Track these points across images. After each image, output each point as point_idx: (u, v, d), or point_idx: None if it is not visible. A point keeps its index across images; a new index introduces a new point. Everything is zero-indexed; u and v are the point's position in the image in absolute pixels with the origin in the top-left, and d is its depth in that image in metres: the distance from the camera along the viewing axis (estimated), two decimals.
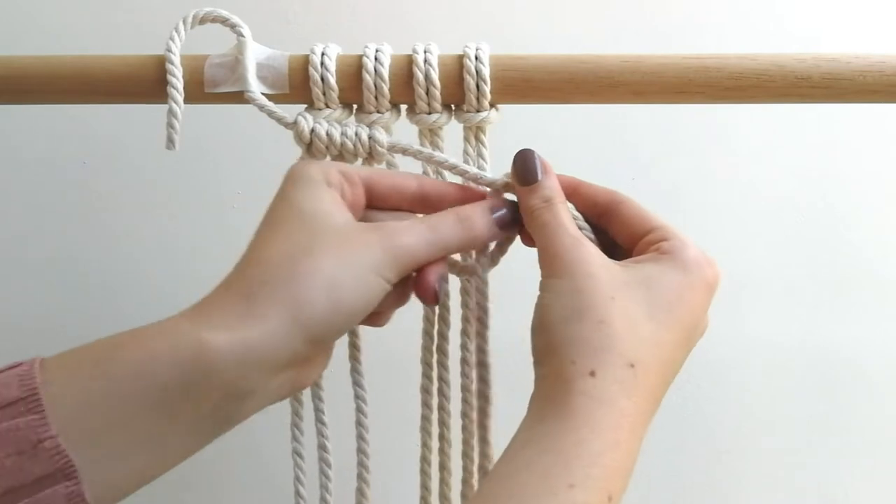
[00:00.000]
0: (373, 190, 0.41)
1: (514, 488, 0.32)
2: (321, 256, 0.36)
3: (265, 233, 0.38)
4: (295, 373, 0.38)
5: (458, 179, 0.44)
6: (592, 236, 0.42)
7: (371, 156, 0.45)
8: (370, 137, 0.44)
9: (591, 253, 0.38)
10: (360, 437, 0.48)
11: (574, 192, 0.42)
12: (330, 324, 0.36)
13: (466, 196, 0.42)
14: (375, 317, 0.42)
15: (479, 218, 0.40)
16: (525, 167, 0.41)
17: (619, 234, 0.42)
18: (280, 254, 0.37)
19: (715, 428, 0.75)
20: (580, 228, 0.41)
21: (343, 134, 0.44)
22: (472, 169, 0.44)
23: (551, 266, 0.38)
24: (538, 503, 0.31)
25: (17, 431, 0.32)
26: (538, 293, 0.38)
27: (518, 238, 0.44)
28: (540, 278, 0.39)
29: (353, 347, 0.47)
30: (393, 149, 0.44)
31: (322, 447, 0.48)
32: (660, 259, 0.38)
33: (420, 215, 0.41)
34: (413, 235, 0.38)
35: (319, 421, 0.48)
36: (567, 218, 0.40)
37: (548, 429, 0.34)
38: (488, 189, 0.43)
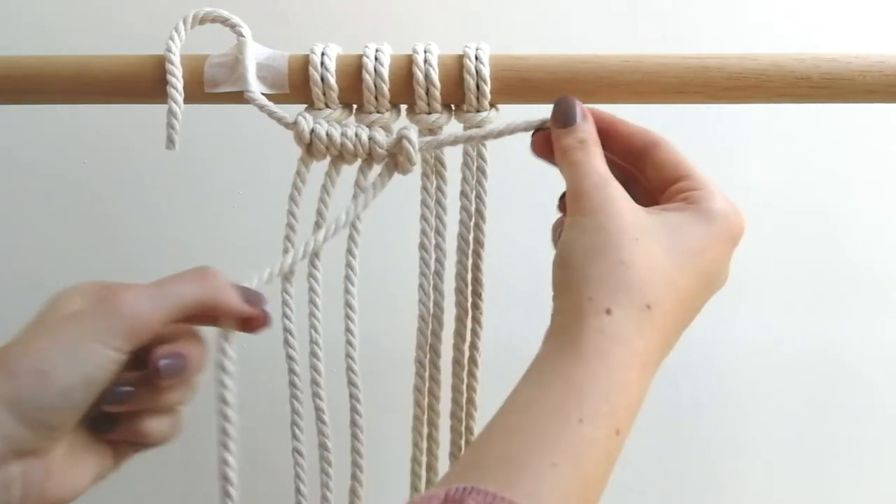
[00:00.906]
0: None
1: (527, 419, 0.32)
2: (32, 339, 0.35)
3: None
4: (21, 470, 0.34)
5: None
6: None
7: (371, 156, 0.45)
8: (370, 138, 0.44)
9: (619, 194, 0.38)
10: (355, 437, 0.48)
11: (611, 130, 0.43)
12: (42, 401, 0.33)
13: None
14: (148, 414, 0.38)
15: (218, 276, 0.38)
16: (565, 111, 0.42)
17: (651, 178, 0.42)
18: (18, 337, 0.36)
19: (712, 428, 0.75)
20: None
21: (343, 134, 0.44)
22: (501, 125, 0.44)
23: (578, 204, 0.38)
24: (549, 435, 0.32)
25: None
26: (564, 230, 0.39)
27: None
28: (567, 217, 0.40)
29: (349, 345, 0.47)
30: (393, 148, 0.44)
31: (323, 446, 0.48)
32: (686, 208, 0.39)
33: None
34: (134, 293, 0.36)
35: (320, 420, 0.48)
36: (599, 160, 0.40)
37: (562, 361, 0.34)
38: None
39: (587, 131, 0.41)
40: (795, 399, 0.75)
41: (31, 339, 0.35)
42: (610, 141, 0.42)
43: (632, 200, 0.39)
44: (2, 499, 0.34)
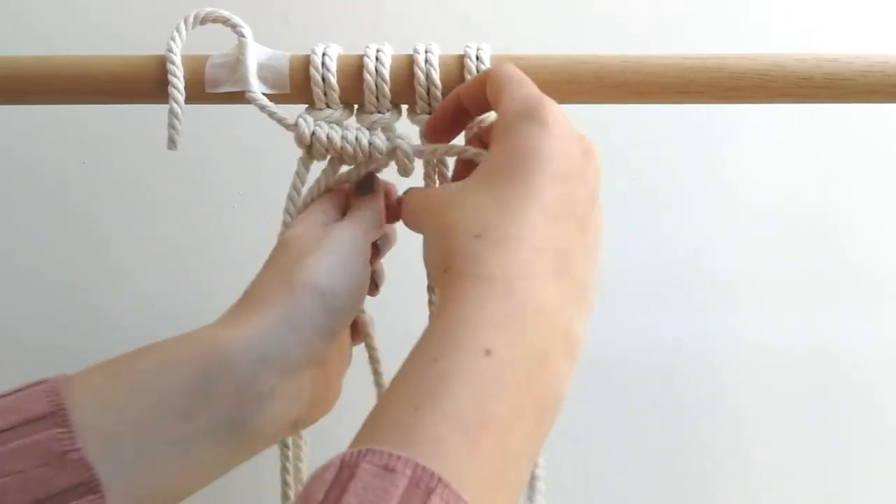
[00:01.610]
0: None
1: (395, 383, 0.31)
2: (306, 258, 0.40)
3: (262, 269, 0.42)
4: (310, 379, 0.39)
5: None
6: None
7: (370, 159, 0.44)
8: (370, 143, 0.44)
9: (430, 195, 0.39)
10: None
11: (458, 100, 0.43)
12: (333, 305, 0.39)
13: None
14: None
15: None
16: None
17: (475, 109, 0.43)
18: (276, 269, 0.41)
19: (712, 428, 0.75)
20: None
21: (343, 138, 0.44)
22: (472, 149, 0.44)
23: (418, 227, 0.41)
24: (409, 384, 0.30)
25: (44, 444, 0.33)
26: None
27: None
28: None
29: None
30: (392, 154, 0.44)
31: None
32: (489, 151, 0.38)
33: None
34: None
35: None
36: (412, 197, 0.41)
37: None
38: None
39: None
40: (795, 399, 0.75)
41: (301, 259, 0.40)
42: (468, 108, 0.43)
43: (447, 186, 0.40)
44: (295, 407, 0.39)
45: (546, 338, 0.31)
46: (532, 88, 0.39)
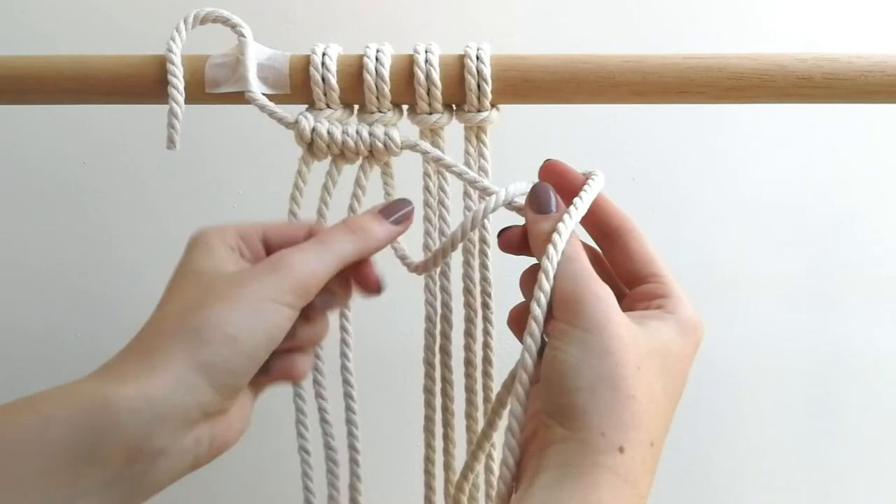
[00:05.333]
0: (269, 242, 0.41)
1: None
2: (214, 303, 0.36)
3: (165, 296, 0.39)
4: (209, 427, 0.37)
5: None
6: None
7: (372, 154, 0.44)
8: (371, 134, 0.44)
9: (615, 307, 0.36)
10: (351, 434, 0.48)
11: (596, 204, 0.41)
12: (232, 365, 0.36)
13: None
14: (296, 352, 0.41)
15: (368, 221, 0.41)
16: (541, 199, 0.40)
17: (617, 262, 0.41)
18: (176, 309, 0.37)
19: (712, 427, 0.75)
20: None
21: (344, 132, 0.44)
22: (472, 174, 0.44)
23: (576, 313, 0.36)
24: None
25: None
26: (553, 337, 0.36)
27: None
28: (555, 320, 0.37)
29: (344, 344, 0.47)
30: (403, 145, 0.44)
31: (328, 445, 0.48)
32: (666, 318, 0.38)
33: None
34: (302, 253, 0.38)
35: (323, 420, 0.48)
36: (586, 258, 0.38)
37: (568, 497, 0.32)
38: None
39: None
40: (796, 398, 0.75)
41: (208, 304, 0.36)
42: (590, 213, 0.41)
43: (620, 310, 0.36)
44: (193, 453, 0.36)
45: None
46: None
